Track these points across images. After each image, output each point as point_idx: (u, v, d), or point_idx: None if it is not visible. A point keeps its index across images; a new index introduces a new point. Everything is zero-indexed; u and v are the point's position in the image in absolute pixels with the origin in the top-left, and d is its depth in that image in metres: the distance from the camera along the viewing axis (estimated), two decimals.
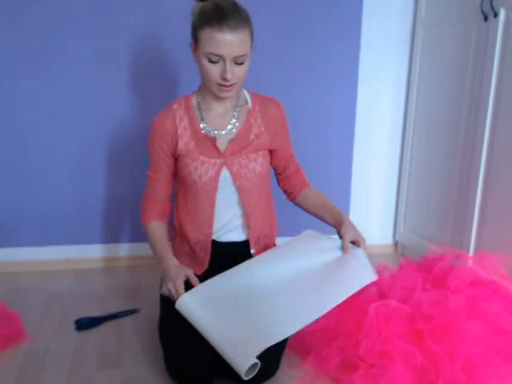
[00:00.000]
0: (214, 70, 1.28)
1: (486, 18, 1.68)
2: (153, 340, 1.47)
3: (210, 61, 1.27)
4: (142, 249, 2.14)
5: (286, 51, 2.07)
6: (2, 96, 1.93)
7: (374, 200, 2.34)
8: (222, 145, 1.41)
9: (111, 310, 1.70)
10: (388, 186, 2.33)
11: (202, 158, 1.39)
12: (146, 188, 1.48)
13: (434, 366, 1.20)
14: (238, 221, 1.46)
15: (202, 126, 1.41)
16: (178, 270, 1.30)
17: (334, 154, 2.23)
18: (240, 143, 1.41)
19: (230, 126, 1.42)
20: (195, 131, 1.40)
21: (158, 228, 1.45)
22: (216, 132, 1.41)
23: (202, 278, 1.42)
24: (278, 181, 1.58)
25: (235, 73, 1.29)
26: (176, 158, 1.43)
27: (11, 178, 2.01)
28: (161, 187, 1.46)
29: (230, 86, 1.31)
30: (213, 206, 1.41)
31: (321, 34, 2.08)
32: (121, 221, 2.14)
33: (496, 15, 1.63)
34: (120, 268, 2.13)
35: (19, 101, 1.94)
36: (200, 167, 1.39)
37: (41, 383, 1.30)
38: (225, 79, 1.28)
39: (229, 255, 1.42)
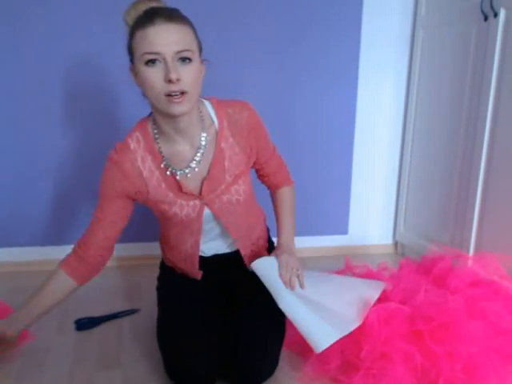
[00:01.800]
0: (156, 76, 1.04)
1: (485, 18, 1.68)
2: (153, 340, 1.46)
3: (148, 63, 1.03)
4: (142, 249, 2.14)
5: (286, 51, 2.06)
6: None
7: (374, 200, 2.34)
8: (194, 184, 1.24)
9: (111, 310, 1.71)
10: (388, 186, 2.33)
11: (179, 201, 1.23)
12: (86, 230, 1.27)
13: (434, 366, 1.20)
14: (225, 245, 1.40)
15: (163, 165, 1.21)
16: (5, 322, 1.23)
17: (334, 154, 2.23)
18: (215, 178, 1.24)
19: (193, 164, 1.21)
20: (162, 171, 1.22)
21: (56, 280, 1.24)
22: (181, 172, 1.21)
23: (201, 281, 1.41)
24: (258, 176, 1.44)
25: (181, 75, 1.04)
26: (147, 202, 1.27)
27: (11, 178, 2.01)
28: (101, 229, 1.23)
29: (181, 94, 1.05)
30: (198, 246, 1.33)
31: (321, 34, 2.07)
32: None
33: (496, 15, 1.63)
34: (120, 268, 2.12)
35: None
36: (180, 212, 1.24)
37: (41, 383, 1.30)
38: (170, 81, 1.03)
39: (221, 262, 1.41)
